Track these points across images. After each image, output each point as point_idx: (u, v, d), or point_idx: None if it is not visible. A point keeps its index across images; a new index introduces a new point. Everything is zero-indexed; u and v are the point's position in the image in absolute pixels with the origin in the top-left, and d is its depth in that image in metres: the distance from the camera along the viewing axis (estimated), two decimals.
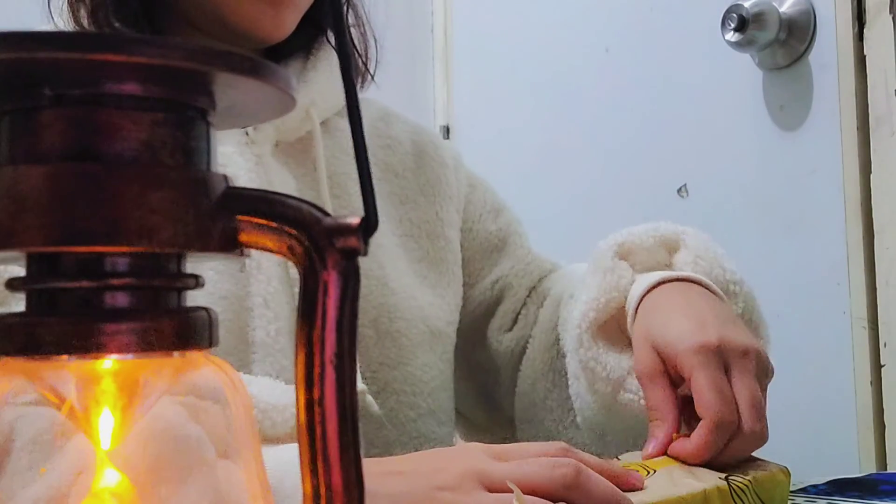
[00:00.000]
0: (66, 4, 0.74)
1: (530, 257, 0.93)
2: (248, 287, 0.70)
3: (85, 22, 0.73)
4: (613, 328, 0.73)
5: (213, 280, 0.69)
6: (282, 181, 0.75)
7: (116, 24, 0.72)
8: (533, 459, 0.54)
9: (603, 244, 0.76)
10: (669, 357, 0.64)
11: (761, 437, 0.61)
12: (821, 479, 0.73)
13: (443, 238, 0.87)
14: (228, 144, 0.73)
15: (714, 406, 0.59)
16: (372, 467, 0.52)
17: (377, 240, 0.79)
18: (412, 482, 0.52)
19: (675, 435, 0.63)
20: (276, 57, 0.79)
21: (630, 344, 0.71)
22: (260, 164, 0.74)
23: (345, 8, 0.83)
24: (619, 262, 0.74)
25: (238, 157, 0.73)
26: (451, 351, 0.86)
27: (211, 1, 0.73)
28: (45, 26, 0.76)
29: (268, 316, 0.70)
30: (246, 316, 0.70)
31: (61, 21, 0.75)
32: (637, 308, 0.70)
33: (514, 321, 0.91)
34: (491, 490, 0.52)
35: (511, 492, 0.50)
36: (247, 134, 0.75)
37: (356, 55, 0.84)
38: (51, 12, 0.75)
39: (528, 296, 0.91)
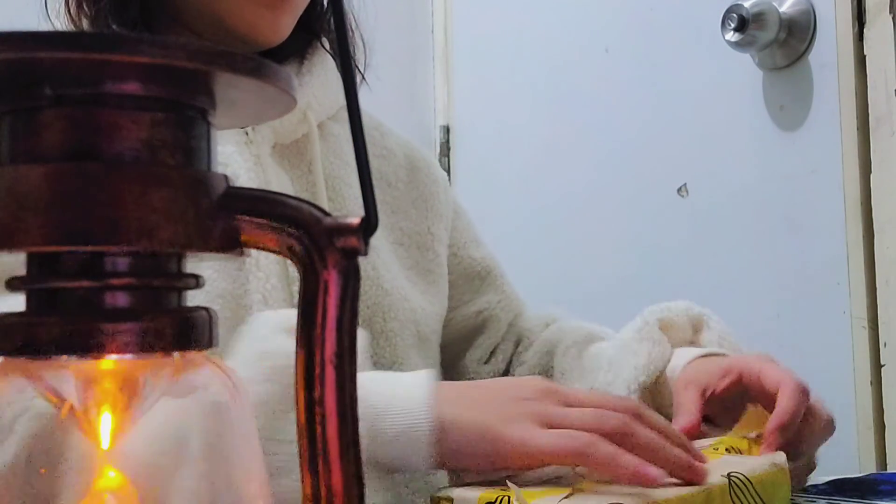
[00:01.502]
0: (63, 7, 0.74)
1: (513, 293, 0.96)
2: (247, 285, 0.70)
3: (84, 26, 0.73)
4: (647, 396, 0.78)
5: (211, 279, 0.69)
6: (279, 182, 0.76)
7: (114, 27, 0.73)
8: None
9: (648, 315, 0.81)
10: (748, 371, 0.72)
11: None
12: (821, 479, 0.73)
13: (432, 251, 0.89)
14: (228, 144, 0.74)
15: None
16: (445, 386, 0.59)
17: (371, 242, 0.81)
18: (490, 394, 0.57)
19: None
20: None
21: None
22: (259, 165, 0.75)
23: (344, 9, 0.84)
24: (663, 336, 0.79)
25: (238, 157, 0.74)
26: (434, 357, 0.88)
27: (209, 6, 0.73)
28: (42, 27, 0.76)
29: None
30: (244, 314, 0.70)
31: (58, 22, 0.75)
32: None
33: (492, 353, 0.94)
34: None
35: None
36: (246, 134, 0.76)
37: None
38: (48, 14, 0.75)
39: (506, 331, 0.94)
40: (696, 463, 0.55)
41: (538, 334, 0.93)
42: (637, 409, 0.57)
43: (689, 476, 0.54)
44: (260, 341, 0.55)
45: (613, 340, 0.84)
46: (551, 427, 0.54)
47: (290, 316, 0.58)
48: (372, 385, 0.56)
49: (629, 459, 0.52)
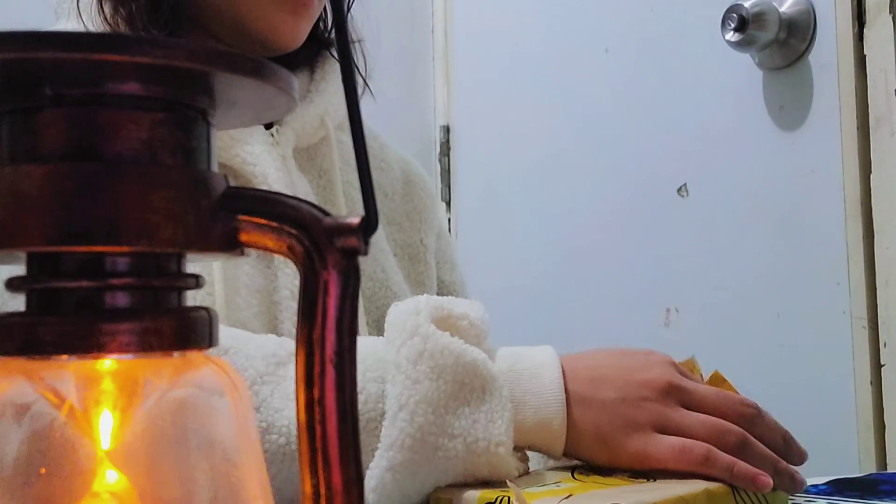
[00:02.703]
0: (95, 7, 0.74)
1: None
2: (276, 281, 0.72)
3: (121, 27, 0.74)
4: None
5: (249, 274, 0.71)
6: (301, 183, 0.78)
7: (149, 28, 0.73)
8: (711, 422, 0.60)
9: None
10: None
11: None
12: (821, 479, 0.73)
13: (423, 263, 0.91)
14: (257, 144, 0.76)
15: None
16: (576, 364, 0.62)
17: (378, 244, 0.83)
18: (616, 385, 0.61)
19: None
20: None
21: None
22: (284, 166, 0.77)
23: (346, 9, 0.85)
24: None
25: (267, 156, 0.76)
26: None
27: (232, 10, 0.75)
28: (62, 22, 0.77)
29: (294, 308, 0.71)
30: (275, 309, 0.72)
31: (86, 16, 0.75)
32: None
33: None
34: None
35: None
36: (272, 136, 0.78)
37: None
38: (80, 12, 0.75)
39: None
40: (798, 474, 0.60)
41: None
42: (754, 416, 0.60)
43: (790, 486, 0.59)
44: (420, 337, 0.58)
45: None
46: (669, 432, 0.59)
47: (435, 304, 0.60)
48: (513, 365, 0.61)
49: (746, 469, 0.57)
